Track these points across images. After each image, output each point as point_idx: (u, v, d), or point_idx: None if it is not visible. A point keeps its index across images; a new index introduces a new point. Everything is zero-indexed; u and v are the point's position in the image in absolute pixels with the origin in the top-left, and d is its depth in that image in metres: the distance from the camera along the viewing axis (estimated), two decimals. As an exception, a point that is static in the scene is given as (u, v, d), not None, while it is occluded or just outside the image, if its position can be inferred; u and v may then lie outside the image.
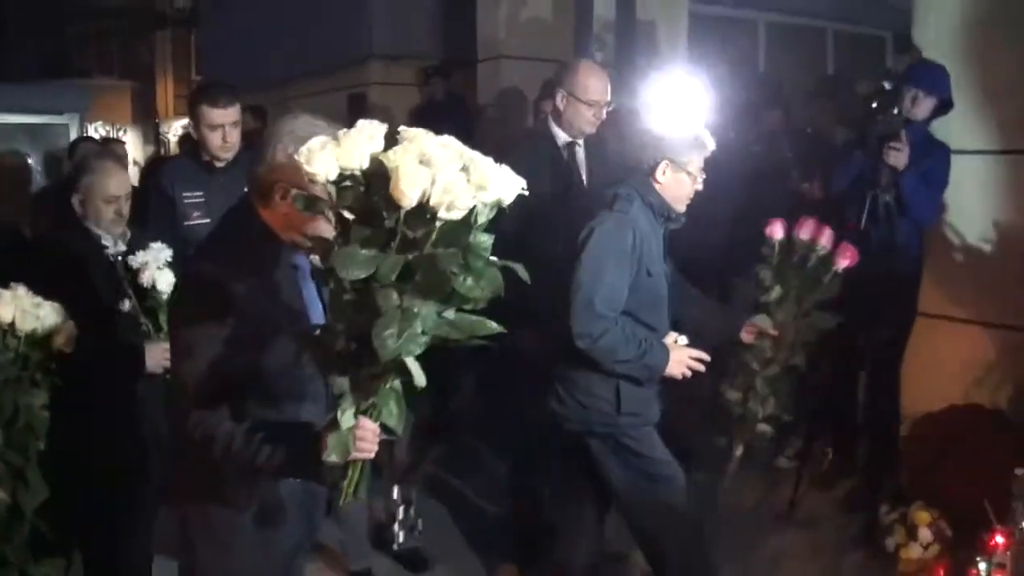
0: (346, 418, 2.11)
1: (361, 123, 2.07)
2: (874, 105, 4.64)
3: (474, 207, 2.00)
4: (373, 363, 2.04)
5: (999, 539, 2.63)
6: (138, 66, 25.58)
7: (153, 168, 6.57)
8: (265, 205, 2.50)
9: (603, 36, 7.50)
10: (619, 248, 3.64)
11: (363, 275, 1.95)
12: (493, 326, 2.08)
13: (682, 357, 3.71)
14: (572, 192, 4.38)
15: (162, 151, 20.63)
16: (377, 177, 1.98)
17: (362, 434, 2.15)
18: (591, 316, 3.59)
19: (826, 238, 3.94)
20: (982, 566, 2.64)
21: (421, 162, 1.94)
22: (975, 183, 4.75)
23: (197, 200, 4.35)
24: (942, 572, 3.06)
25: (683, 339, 3.75)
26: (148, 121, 24.55)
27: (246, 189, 2.57)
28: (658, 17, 7.90)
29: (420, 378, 2.10)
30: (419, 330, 2.00)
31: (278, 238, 2.51)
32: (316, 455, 2.17)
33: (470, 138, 6.75)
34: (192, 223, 4.32)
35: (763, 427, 4.01)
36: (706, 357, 3.73)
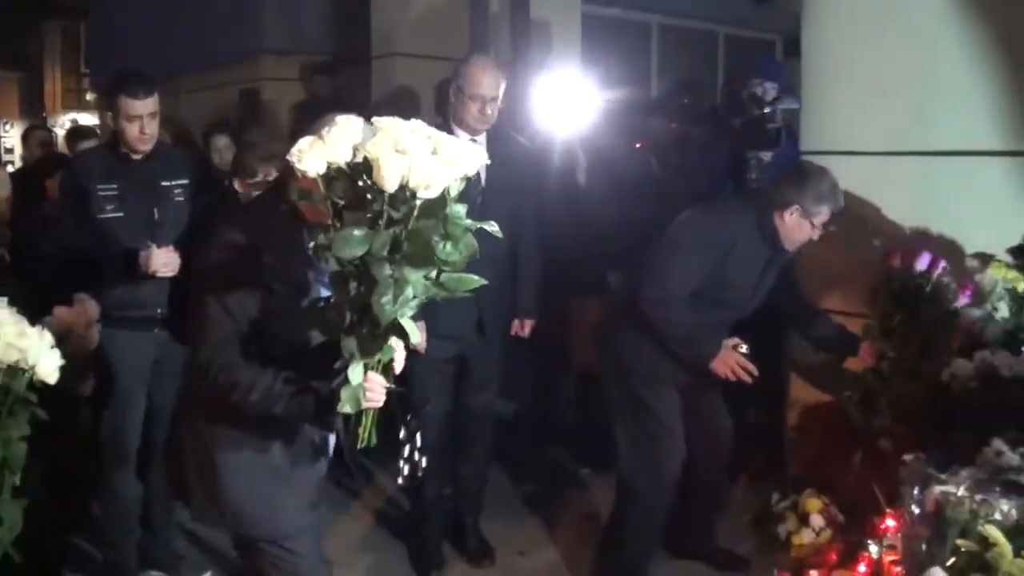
0: (355, 375, 2.43)
1: (340, 119, 2.35)
2: (746, 97, 4.78)
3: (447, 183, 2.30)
4: (375, 326, 2.37)
5: (889, 523, 2.70)
6: (25, 57, 24.77)
7: (40, 164, 6.33)
8: (291, 178, 2.73)
9: (497, 34, 7.52)
10: (709, 239, 4.07)
11: (359, 253, 2.24)
12: (476, 279, 2.47)
13: (730, 359, 4.08)
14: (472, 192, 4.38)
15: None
16: (360, 167, 2.26)
17: (370, 386, 2.48)
18: (658, 284, 4.02)
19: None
20: (873, 549, 2.71)
21: (397, 150, 2.21)
22: (860, 182, 4.88)
23: (111, 193, 4.24)
24: (834, 556, 3.13)
25: (744, 347, 4.12)
26: (36, 115, 23.77)
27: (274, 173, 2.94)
28: (552, 17, 7.96)
29: (415, 335, 2.44)
30: (411, 295, 2.33)
31: (301, 221, 2.75)
32: (330, 406, 2.52)
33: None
34: (105, 216, 4.22)
35: None
36: (754, 370, 4.09)
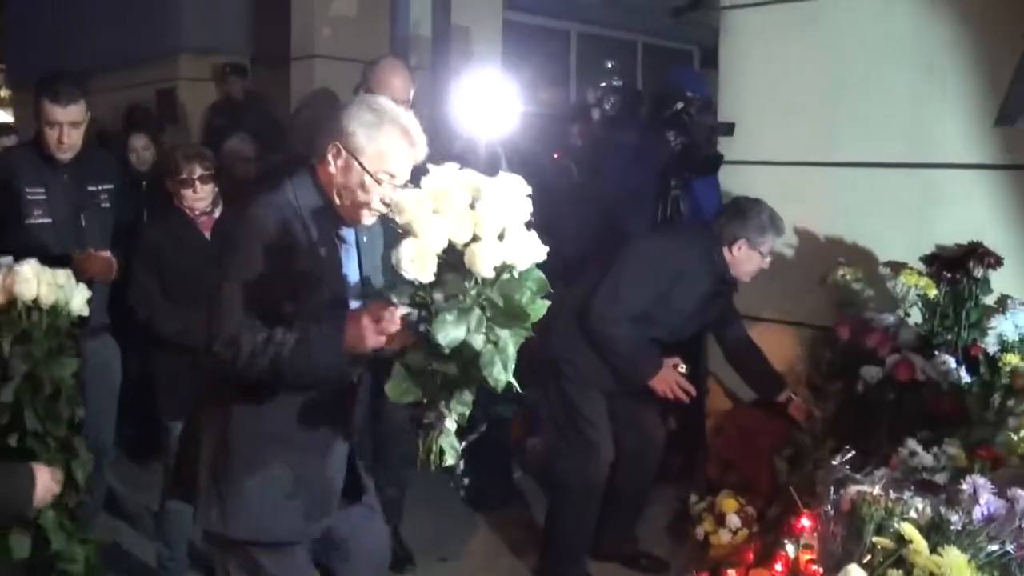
0: (452, 422, 2.45)
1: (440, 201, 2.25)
2: (677, 108, 4.84)
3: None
4: (473, 383, 2.38)
5: (805, 522, 2.76)
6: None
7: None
8: (319, 161, 2.73)
9: (418, 39, 7.52)
10: (660, 266, 4.25)
11: (461, 336, 2.23)
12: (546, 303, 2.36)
13: (670, 378, 4.27)
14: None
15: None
16: (455, 256, 2.24)
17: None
18: (608, 303, 4.19)
19: None
20: (789, 548, 2.76)
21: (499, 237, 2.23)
22: (775, 192, 4.98)
23: (39, 198, 4.11)
24: (751, 555, 3.19)
25: (683, 368, 4.31)
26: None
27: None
28: (473, 22, 7.98)
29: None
30: (512, 352, 2.32)
31: (331, 211, 2.75)
32: (334, 347, 2.52)
33: (271, 138, 6.65)
34: (33, 221, 4.08)
35: None
36: (692, 391, 4.29)
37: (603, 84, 5.90)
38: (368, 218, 2.74)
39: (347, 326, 2.51)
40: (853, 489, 2.46)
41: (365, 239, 2.91)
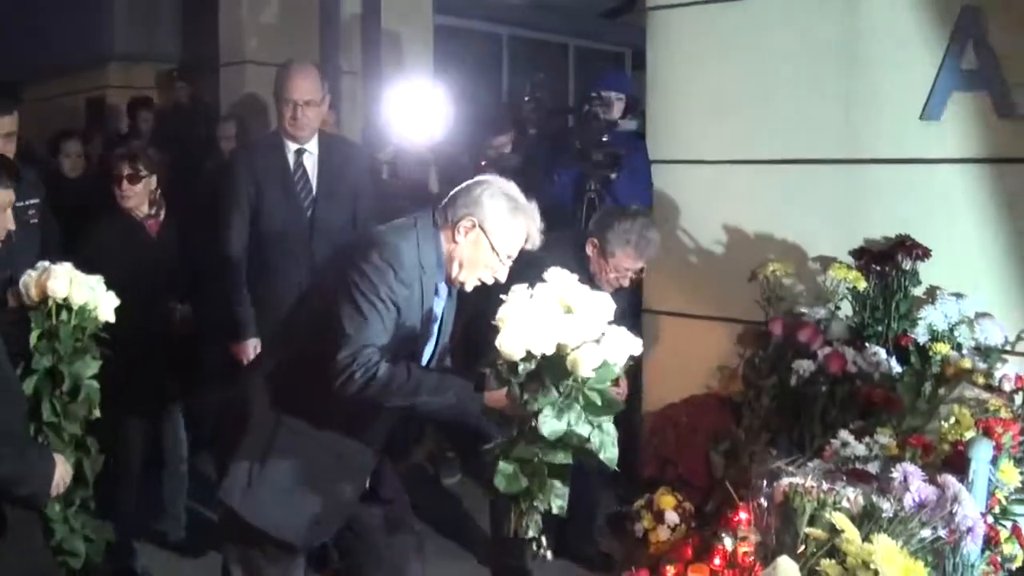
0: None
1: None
2: (586, 110, 4.85)
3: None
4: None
5: (742, 515, 2.76)
6: None
7: None
8: (449, 228, 2.95)
9: (349, 43, 7.48)
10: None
11: (563, 429, 2.42)
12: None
13: None
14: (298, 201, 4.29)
15: None
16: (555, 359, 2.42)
17: None
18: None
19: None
20: (727, 541, 2.76)
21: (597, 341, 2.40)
22: (705, 190, 5.04)
23: None
24: (690, 551, 3.19)
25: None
26: None
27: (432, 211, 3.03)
28: (403, 27, 7.97)
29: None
30: (613, 429, 2.53)
31: (443, 269, 3.00)
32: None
33: (215, 145, 6.56)
34: None
35: None
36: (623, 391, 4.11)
37: (527, 99, 5.82)
38: (471, 285, 3.04)
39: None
40: (786, 481, 2.46)
41: (448, 299, 3.18)
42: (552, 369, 2.41)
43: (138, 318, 3.71)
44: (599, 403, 2.43)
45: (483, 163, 5.11)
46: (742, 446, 4.11)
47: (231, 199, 4.27)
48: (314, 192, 4.31)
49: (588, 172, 4.87)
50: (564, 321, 2.40)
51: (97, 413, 3.39)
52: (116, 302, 3.44)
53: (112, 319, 3.45)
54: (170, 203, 4.62)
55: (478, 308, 4.10)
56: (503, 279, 3.00)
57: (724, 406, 4.55)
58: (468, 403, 2.80)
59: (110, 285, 3.98)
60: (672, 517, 3.83)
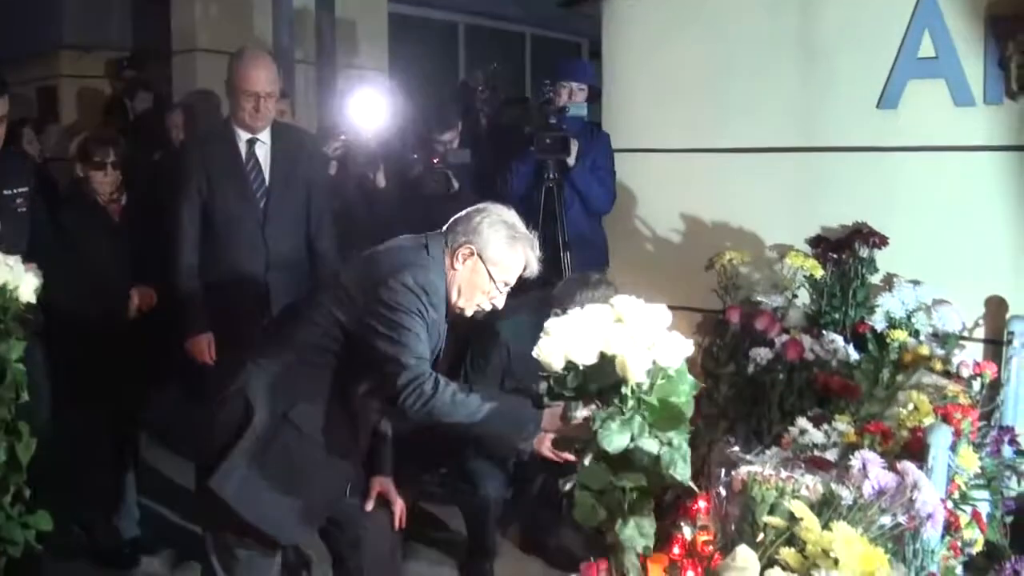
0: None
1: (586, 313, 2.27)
2: (544, 102, 4.80)
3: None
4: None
5: (701, 504, 2.74)
6: None
7: None
8: (449, 255, 2.98)
9: (302, 32, 7.39)
10: None
11: (625, 443, 2.25)
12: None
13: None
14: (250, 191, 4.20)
15: None
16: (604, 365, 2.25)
17: None
18: None
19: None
20: (686, 530, 2.74)
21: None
22: (662, 179, 5.03)
23: None
24: (648, 540, 3.17)
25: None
26: None
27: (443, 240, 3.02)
28: (358, 16, 7.90)
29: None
30: (686, 448, 2.33)
31: (447, 296, 3.02)
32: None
33: (165, 135, 6.44)
34: None
35: None
36: None
37: (480, 88, 5.70)
38: (470, 311, 3.05)
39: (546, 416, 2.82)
40: (744, 470, 2.44)
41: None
42: (600, 377, 2.30)
43: (104, 302, 3.66)
44: (664, 415, 2.33)
45: (435, 160, 4.99)
46: (700, 435, 4.08)
47: (181, 190, 4.17)
48: (267, 183, 4.21)
49: (539, 156, 4.80)
50: (608, 329, 2.27)
51: (25, 396, 3.28)
52: (36, 282, 3.29)
53: (33, 299, 3.32)
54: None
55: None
56: (500, 306, 3.05)
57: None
58: (526, 423, 2.86)
59: (78, 270, 3.95)
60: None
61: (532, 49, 10.71)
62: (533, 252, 3.03)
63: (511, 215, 3.06)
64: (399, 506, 3.33)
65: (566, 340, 2.25)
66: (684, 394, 2.31)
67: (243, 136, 4.18)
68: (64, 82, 8.99)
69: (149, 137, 6.66)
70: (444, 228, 3.07)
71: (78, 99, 8.83)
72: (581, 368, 2.26)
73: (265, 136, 4.22)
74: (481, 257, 2.96)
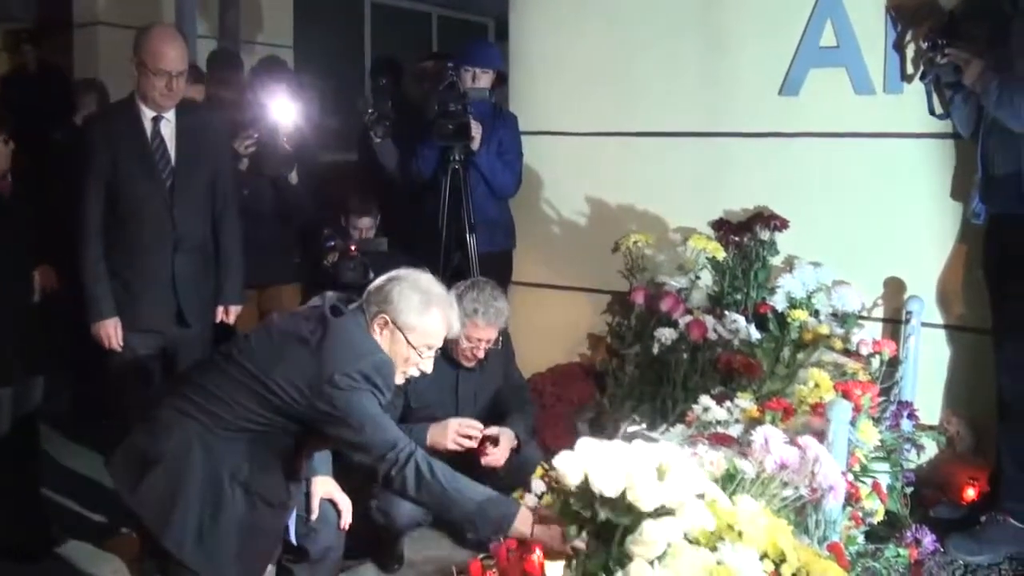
0: None
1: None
2: (447, 86, 4.77)
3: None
4: None
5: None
6: None
7: None
8: (368, 321, 2.94)
9: (205, 6, 7.25)
10: None
11: None
12: None
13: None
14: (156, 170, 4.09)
15: None
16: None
17: None
18: None
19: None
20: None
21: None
22: (569, 161, 5.07)
23: None
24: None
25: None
26: None
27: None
28: (264, -7, 7.78)
29: None
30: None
31: None
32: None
33: (71, 111, 6.23)
34: None
35: None
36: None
37: (369, 111, 5.47)
38: (401, 380, 2.99)
39: (520, 516, 2.65)
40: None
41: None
42: (614, 511, 2.14)
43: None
44: None
45: (352, 248, 4.75)
46: (607, 414, 4.14)
47: (85, 169, 4.04)
48: (173, 162, 4.11)
49: (440, 143, 4.77)
50: (642, 472, 2.13)
51: None
52: None
53: None
54: (15, 173, 4.39)
55: None
56: (428, 370, 3.02)
57: (589, 376, 4.59)
58: (509, 521, 2.69)
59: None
60: (539, 485, 3.84)
61: (439, 29, 10.66)
62: (452, 311, 3.01)
63: (423, 279, 3.00)
64: (346, 506, 3.25)
65: (593, 461, 2.13)
66: None
67: (148, 113, 4.07)
68: (-38, 56, 8.68)
69: (50, 113, 6.47)
70: (361, 300, 3.01)
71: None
72: (597, 494, 2.11)
73: (171, 114, 4.12)
74: (396, 325, 2.92)
